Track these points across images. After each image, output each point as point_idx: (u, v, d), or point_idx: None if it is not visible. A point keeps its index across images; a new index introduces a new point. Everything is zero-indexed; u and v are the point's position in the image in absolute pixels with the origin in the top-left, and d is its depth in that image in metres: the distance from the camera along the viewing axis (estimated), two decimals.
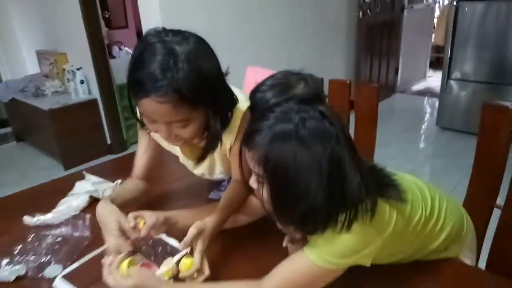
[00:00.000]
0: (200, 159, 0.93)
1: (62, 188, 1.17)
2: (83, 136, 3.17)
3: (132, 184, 1.04)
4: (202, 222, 0.82)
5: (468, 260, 0.93)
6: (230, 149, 0.96)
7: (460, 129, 3.27)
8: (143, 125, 0.84)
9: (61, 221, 0.97)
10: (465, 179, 1.13)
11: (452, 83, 3.32)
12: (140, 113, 0.82)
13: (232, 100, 0.88)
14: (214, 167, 1.07)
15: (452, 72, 3.29)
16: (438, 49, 5.31)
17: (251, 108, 0.84)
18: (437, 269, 0.84)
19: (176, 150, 1.05)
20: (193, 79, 0.72)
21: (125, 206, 0.91)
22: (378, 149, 1.31)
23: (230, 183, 1.02)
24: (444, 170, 2.74)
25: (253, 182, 0.69)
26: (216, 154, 1.01)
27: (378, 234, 0.68)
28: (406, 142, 3.35)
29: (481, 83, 3.19)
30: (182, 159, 1.07)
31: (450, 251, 0.88)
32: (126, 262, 0.74)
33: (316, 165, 0.60)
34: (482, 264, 1.06)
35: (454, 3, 3.09)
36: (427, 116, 4.07)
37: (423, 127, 3.77)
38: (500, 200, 1.03)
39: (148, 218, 0.80)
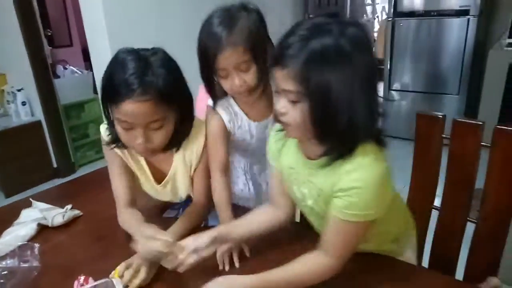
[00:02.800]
0: (163, 150, 0.95)
1: (6, 218, 1.10)
2: (26, 161, 2.99)
3: (128, 217, 0.99)
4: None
5: (411, 258, 0.99)
6: (194, 170, 1.04)
7: (403, 137, 3.48)
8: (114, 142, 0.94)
9: (6, 253, 0.92)
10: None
11: (393, 93, 3.55)
12: (116, 120, 0.86)
13: (192, 109, 0.99)
14: (177, 191, 1.09)
15: (393, 83, 3.53)
16: (380, 61, 5.64)
17: None
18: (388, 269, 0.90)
19: (144, 174, 1.06)
20: (168, 80, 0.84)
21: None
22: None
23: (192, 203, 1.06)
24: (391, 174, 2.90)
25: (282, 106, 0.69)
26: (180, 178, 1.05)
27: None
28: None
29: (419, 92, 3.44)
30: (147, 185, 1.08)
31: (399, 244, 0.94)
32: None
33: (358, 76, 0.64)
34: (425, 262, 1.15)
35: (390, 19, 3.33)
36: None
37: None
38: (438, 202, 1.13)
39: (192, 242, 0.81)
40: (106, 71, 0.85)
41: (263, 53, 0.92)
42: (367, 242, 0.89)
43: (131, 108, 0.80)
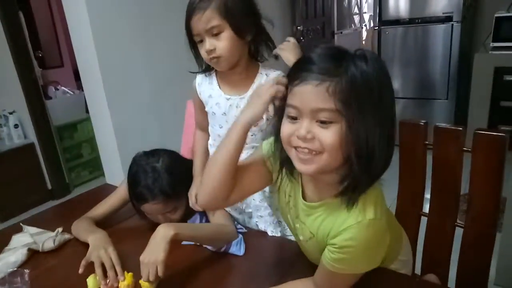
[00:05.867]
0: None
1: None
2: (21, 184, 2.97)
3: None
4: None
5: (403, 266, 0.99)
6: None
7: (396, 143, 3.51)
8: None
9: None
10: None
11: None
12: (143, 212, 1.13)
13: None
14: None
15: None
16: None
17: None
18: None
19: None
20: (172, 183, 1.06)
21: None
22: None
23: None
24: (385, 181, 2.92)
25: (308, 131, 0.63)
26: None
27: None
28: None
29: (409, 99, 3.47)
30: None
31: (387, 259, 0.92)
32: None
33: (390, 100, 0.65)
34: (417, 268, 1.16)
35: (376, 28, 3.38)
36: None
37: None
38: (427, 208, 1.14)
39: None
40: (128, 178, 1.11)
41: (242, 25, 0.96)
42: None
43: (148, 208, 1.08)
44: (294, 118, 0.65)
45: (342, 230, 0.68)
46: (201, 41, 0.98)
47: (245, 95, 1.07)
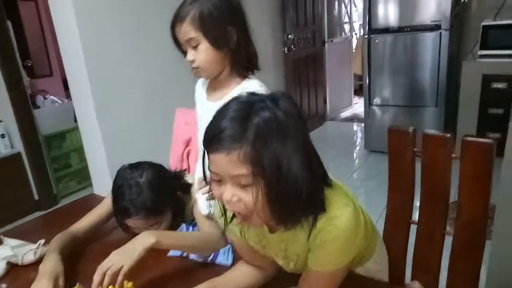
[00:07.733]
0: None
1: None
2: (6, 194, 2.91)
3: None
4: None
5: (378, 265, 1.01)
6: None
7: (386, 151, 3.51)
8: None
9: None
10: None
11: (374, 108, 3.60)
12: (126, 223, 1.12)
13: (182, 203, 1.20)
14: None
15: (373, 98, 3.58)
16: (360, 77, 5.74)
17: None
18: None
19: None
20: (154, 199, 1.06)
21: None
22: None
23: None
24: (377, 189, 2.91)
25: (232, 195, 0.63)
26: None
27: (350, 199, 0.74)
28: (340, 166, 3.53)
29: (399, 106, 3.49)
30: None
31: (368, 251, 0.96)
32: None
33: (300, 147, 0.63)
34: (407, 277, 1.14)
35: (366, 36, 3.41)
36: (357, 140, 4.33)
37: (354, 151, 4.00)
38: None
39: None
40: (112, 192, 1.10)
41: (219, 37, 0.94)
42: None
43: (131, 223, 1.09)
44: (219, 181, 0.65)
45: (318, 231, 0.69)
46: (185, 50, 0.99)
47: (220, 102, 1.04)
